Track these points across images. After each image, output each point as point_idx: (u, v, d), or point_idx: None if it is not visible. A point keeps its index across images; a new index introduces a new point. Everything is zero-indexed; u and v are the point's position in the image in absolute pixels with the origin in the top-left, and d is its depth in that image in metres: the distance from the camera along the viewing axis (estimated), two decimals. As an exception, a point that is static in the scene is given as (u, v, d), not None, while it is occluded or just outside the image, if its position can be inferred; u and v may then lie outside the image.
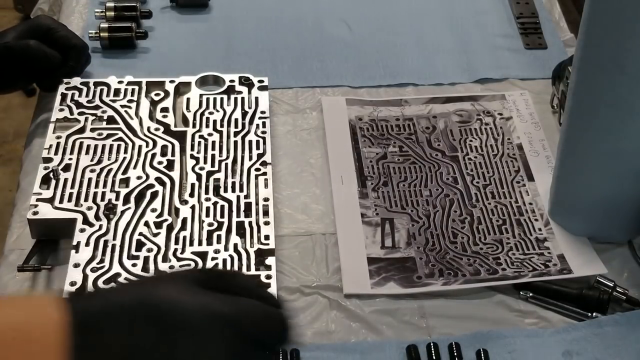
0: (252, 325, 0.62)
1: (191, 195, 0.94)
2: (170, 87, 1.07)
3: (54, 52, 1.06)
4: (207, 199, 0.93)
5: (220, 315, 0.61)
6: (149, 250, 0.88)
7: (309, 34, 1.22)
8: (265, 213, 0.93)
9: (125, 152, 0.98)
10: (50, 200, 0.92)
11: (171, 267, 0.86)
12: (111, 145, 0.99)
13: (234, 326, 0.62)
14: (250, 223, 0.91)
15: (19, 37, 1.05)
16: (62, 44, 1.07)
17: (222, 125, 1.02)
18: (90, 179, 0.95)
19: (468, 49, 1.20)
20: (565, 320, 0.87)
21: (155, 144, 0.99)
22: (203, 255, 0.88)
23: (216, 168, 0.97)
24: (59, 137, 0.99)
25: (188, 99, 1.06)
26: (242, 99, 1.06)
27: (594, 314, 0.87)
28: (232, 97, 1.06)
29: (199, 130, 1.02)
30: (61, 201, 0.92)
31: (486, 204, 0.98)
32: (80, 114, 1.03)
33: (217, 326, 0.61)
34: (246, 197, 0.94)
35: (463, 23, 1.25)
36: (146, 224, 0.91)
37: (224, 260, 0.87)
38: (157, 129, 1.01)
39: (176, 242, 0.89)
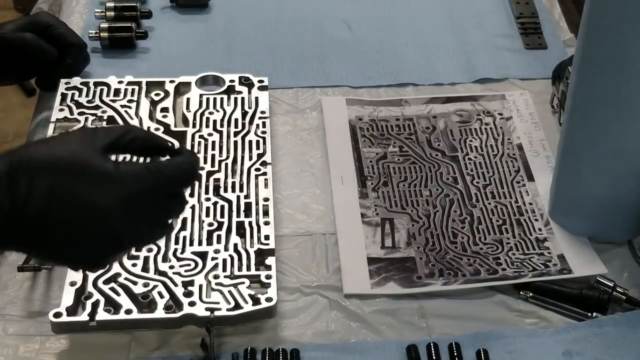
0: (163, 182, 0.70)
1: (191, 195, 0.94)
2: (170, 87, 1.07)
3: (50, 47, 1.05)
4: (207, 199, 0.93)
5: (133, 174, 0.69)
6: (149, 250, 0.88)
7: (309, 34, 1.22)
8: (265, 213, 0.93)
9: (125, 152, 0.98)
10: (50, 200, 0.92)
11: (171, 267, 0.86)
12: (111, 145, 0.99)
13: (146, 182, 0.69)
14: (250, 223, 0.91)
15: (18, 30, 1.04)
16: (60, 41, 1.07)
17: (222, 125, 1.02)
18: (90, 179, 0.95)
19: (468, 49, 1.20)
20: (565, 320, 0.87)
21: (155, 144, 0.99)
22: (203, 255, 0.88)
23: (216, 168, 0.97)
24: (59, 137, 0.99)
25: (188, 99, 1.06)
26: (242, 99, 1.06)
27: (594, 314, 0.87)
28: (232, 97, 1.06)
29: (199, 130, 1.02)
30: (61, 201, 0.92)
31: (486, 204, 0.98)
32: (80, 114, 1.02)
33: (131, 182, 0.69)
34: (246, 197, 0.94)
35: (463, 23, 1.25)
36: (146, 224, 0.90)
37: (224, 260, 0.87)
38: (157, 129, 1.01)
39: (176, 242, 0.89)
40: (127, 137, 0.71)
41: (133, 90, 1.06)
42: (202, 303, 0.83)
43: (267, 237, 0.90)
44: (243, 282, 0.85)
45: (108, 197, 0.68)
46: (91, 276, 0.85)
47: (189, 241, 0.89)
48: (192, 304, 0.83)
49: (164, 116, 1.03)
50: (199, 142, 1.00)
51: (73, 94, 1.05)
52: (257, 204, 0.93)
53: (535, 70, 1.17)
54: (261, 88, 1.08)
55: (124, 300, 0.83)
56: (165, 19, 1.24)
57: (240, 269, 0.87)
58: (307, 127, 1.08)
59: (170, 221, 0.75)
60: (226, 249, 0.89)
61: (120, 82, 1.07)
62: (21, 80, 1.13)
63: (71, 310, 0.82)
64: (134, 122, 1.02)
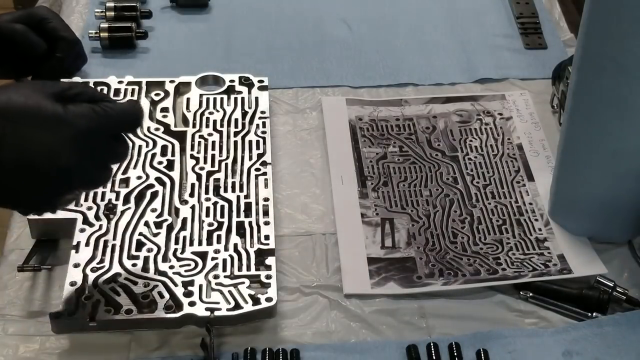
0: (110, 123, 0.74)
1: (191, 195, 0.94)
2: (170, 87, 1.07)
3: (39, 41, 1.04)
4: (207, 199, 0.93)
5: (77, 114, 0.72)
6: (149, 250, 0.88)
7: (309, 34, 1.22)
8: (265, 213, 0.93)
9: (125, 152, 0.98)
10: (50, 200, 0.92)
11: (171, 267, 0.86)
12: (111, 145, 0.99)
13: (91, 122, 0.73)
14: (250, 223, 0.91)
15: (13, 21, 1.03)
16: (52, 35, 1.06)
17: (222, 125, 1.02)
18: (90, 179, 0.95)
19: (468, 49, 1.20)
20: (565, 320, 0.87)
21: (155, 144, 0.99)
22: (203, 255, 0.88)
23: (216, 168, 0.97)
24: (59, 137, 0.99)
25: (188, 99, 1.06)
26: (242, 99, 1.06)
27: (594, 314, 0.87)
28: (232, 97, 1.06)
29: (199, 130, 1.02)
30: (61, 201, 0.92)
31: (486, 204, 0.98)
32: (80, 114, 1.02)
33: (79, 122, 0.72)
34: (246, 197, 0.94)
35: (463, 23, 1.25)
36: (146, 224, 0.91)
37: (224, 260, 0.87)
38: (157, 129, 1.01)
39: (176, 242, 0.89)
40: (73, 91, 0.74)
41: (133, 90, 1.06)
42: (202, 303, 0.83)
43: (267, 237, 0.90)
44: (243, 282, 0.85)
45: (57, 137, 0.71)
46: (91, 276, 0.85)
47: (189, 241, 0.89)
48: (192, 304, 0.83)
49: (164, 116, 1.03)
50: (199, 142, 1.00)
51: (73, 94, 1.05)
52: (257, 204, 0.93)
53: (535, 70, 1.17)
54: (261, 88, 1.08)
55: (124, 300, 0.83)
56: (165, 19, 1.24)
57: (240, 269, 0.87)
58: (307, 127, 1.08)
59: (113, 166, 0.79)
60: (226, 249, 0.89)
61: (120, 82, 1.07)
62: (17, 76, 1.12)
63: (71, 310, 0.82)
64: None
